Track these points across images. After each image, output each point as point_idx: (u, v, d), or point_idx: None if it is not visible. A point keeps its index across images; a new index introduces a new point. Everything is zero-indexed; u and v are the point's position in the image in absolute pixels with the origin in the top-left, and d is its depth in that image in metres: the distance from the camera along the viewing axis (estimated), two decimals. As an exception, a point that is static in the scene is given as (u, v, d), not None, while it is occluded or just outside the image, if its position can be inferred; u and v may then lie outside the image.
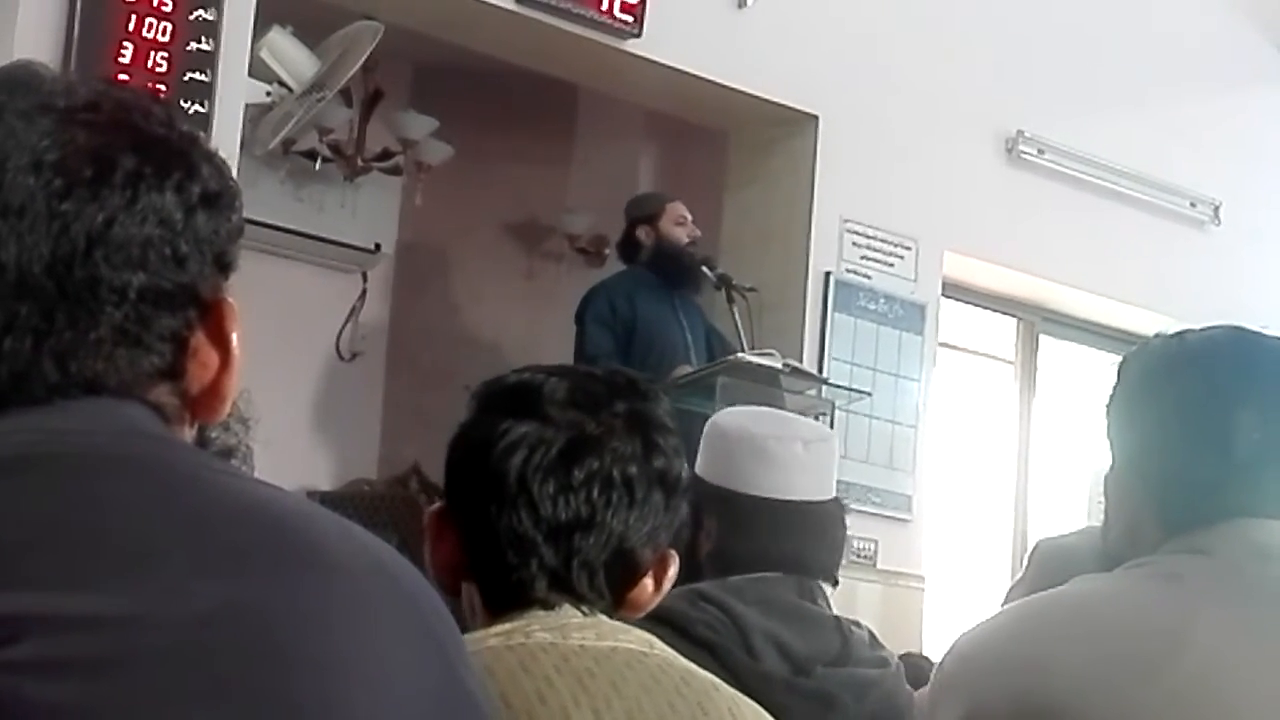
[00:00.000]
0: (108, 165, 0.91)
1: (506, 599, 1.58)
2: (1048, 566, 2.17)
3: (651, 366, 5.54)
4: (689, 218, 6.06)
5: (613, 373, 1.70)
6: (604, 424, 1.59)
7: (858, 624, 2.30)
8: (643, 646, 1.56)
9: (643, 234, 6.06)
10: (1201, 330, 1.72)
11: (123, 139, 0.93)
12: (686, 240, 5.99)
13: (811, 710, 2.13)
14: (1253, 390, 1.65)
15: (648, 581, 1.63)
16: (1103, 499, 1.74)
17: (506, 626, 1.54)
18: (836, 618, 2.27)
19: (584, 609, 1.57)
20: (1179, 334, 1.72)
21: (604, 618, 1.58)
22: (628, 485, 1.58)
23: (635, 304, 5.90)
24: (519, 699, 1.45)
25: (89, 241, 0.90)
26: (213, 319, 0.96)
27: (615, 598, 1.60)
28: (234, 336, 0.97)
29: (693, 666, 1.59)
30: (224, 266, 0.97)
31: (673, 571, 1.66)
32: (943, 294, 6.70)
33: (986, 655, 1.61)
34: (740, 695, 1.60)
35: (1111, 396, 1.72)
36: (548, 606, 1.56)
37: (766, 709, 1.62)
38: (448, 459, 1.65)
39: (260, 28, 5.33)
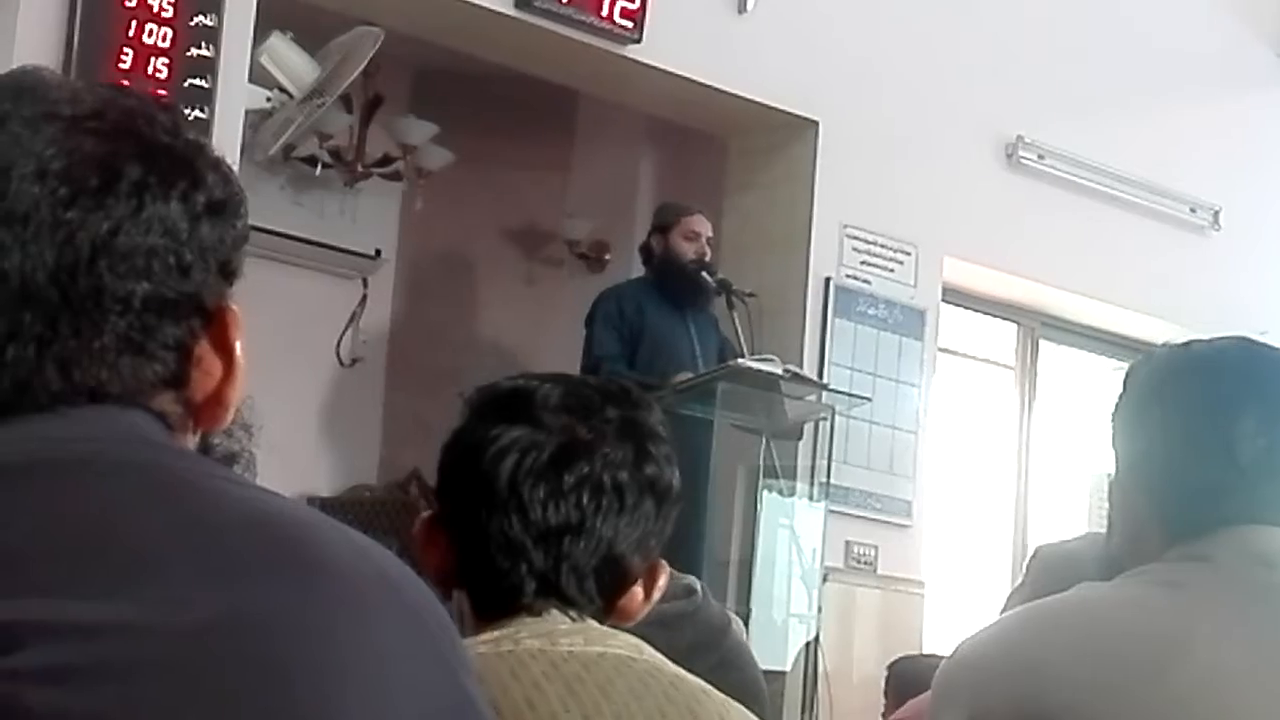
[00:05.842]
0: (113, 174, 0.91)
1: (495, 605, 1.58)
2: (1049, 572, 2.16)
3: (657, 373, 5.54)
4: (702, 233, 5.98)
5: (607, 380, 1.70)
6: (595, 430, 1.59)
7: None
8: (631, 651, 1.56)
9: (654, 242, 6.06)
10: (1207, 340, 1.73)
11: (128, 147, 0.92)
12: (693, 256, 5.95)
13: (653, 631, 2.28)
14: (1256, 399, 1.65)
15: (637, 589, 1.63)
16: (1108, 506, 1.75)
17: (495, 634, 1.53)
18: None
19: (572, 614, 1.57)
20: (1185, 344, 1.73)
21: (593, 623, 1.57)
22: (618, 491, 1.58)
23: (644, 311, 5.90)
24: (508, 705, 1.45)
25: (93, 250, 0.89)
26: (216, 326, 0.96)
27: (605, 605, 1.60)
28: (238, 344, 0.97)
29: (682, 671, 1.58)
30: (228, 274, 0.96)
31: (663, 581, 1.66)
32: (943, 299, 6.71)
33: (988, 660, 1.61)
34: (731, 701, 1.60)
35: (1117, 404, 1.73)
36: (535, 613, 1.56)
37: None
38: (440, 463, 1.65)
39: (260, 33, 5.34)
